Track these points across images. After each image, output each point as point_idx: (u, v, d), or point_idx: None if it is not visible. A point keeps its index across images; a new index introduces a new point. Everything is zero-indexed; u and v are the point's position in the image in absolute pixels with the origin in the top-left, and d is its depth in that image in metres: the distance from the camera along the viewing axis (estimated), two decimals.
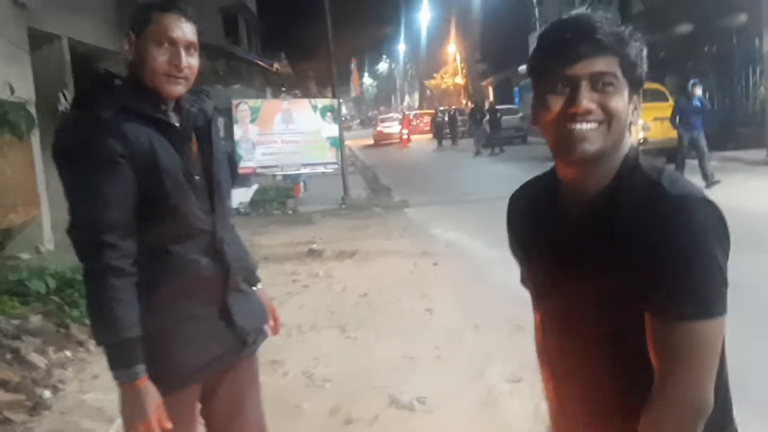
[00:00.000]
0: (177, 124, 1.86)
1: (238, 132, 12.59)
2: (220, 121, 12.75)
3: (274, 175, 14.11)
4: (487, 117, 24.41)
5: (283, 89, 19.26)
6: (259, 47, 25.61)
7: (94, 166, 1.70)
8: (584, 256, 1.21)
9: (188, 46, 1.81)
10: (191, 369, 1.87)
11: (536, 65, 1.24)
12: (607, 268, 1.17)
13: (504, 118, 24.63)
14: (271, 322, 2.22)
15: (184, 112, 1.90)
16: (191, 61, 1.82)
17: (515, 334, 4.60)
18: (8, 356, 4.25)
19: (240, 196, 12.72)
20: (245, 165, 12.69)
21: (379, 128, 36.32)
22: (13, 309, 4.82)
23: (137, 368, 1.70)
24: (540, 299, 1.38)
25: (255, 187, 13.35)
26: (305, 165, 13.02)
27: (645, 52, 1.22)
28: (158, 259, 1.79)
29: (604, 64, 1.16)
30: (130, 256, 1.72)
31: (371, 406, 3.80)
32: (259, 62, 15.72)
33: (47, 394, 3.93)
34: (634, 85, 1.21)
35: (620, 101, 1.18)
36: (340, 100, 14.20)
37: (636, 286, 1.13)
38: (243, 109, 12.63)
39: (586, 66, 1.17)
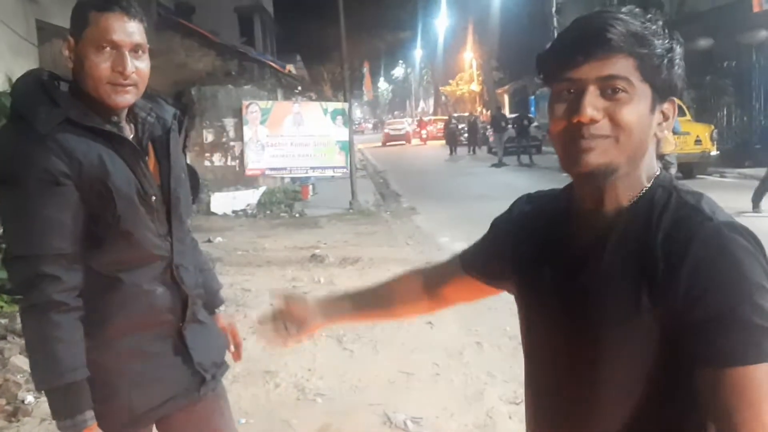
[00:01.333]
0: (130, 136, 1.66)
1: (248, 133, 12.52)
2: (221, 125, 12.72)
3: (282, 178, 14.01)
4: (512, 124, 23.10)
5: (297, 91, 19.15)
6: (274, 49, 25.58)
7: (35, 188, 1.49)
8: (601, 284, 1.05)
9: (134, 49, 1.59)
10: (143, 411, 1.67)
11: (544, 68, 1.09)
12: (632, 299, 1.00)
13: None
14: (232, 348, 2.03)
15: (138, 121, 1.71)
16: (139, 65, 1.60)
17: (518, 353, 4.37)
18: None
19: (247, 198, 12.65)
20: (254, 166, 12.62)
21: (386, 130, 40.65)
22: (0, 308, 4.69)
23: (84, 415, 1.51)
24: (536, 334, 1.21)
25: (263, 188, 13.25)
26: (314, 168, 12.92)
27: (678, 52, 1.04)
28: (108, 288, 1.60)
29: (615, 66, 1.00)
30: (74, 288, 1.53)
31: (363, 424, 3.65)
32: (272, 63, 15.62)
33: (29, 398, 3.79)
34: (660, 92, 1.04)
35: (634, 111, 1.01)
36: (351, 104, 14.08)
37: (668, 323, 0.97)
38: (253, 110, 12.56)
39: (594, 68, 1.01)
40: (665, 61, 1.02)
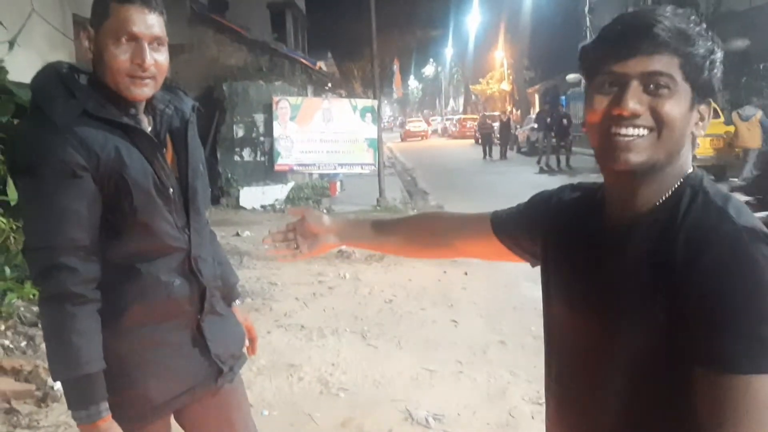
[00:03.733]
0: (149, 129, 1.67)
1: (277, 129, 12.59)
2: (250, 120, 12.80)
3: (311, 173, 14.07)
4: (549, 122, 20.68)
5: (327, 88, 19.19)
6: (305, 45, 25.67)
7: (52, 180, 1.50)
8: (620, 278, 1.05)
9: (154, 41, 1.59)
10: (160, 401, 1.69)
11: (586, 59, 1.11)
12: (648, 295, 1.00)
13: None
14: (248, 342, 2.03)
15: (156, 113, 1.72)
16: (158, 58, 1.61)
17: (542, 353, 4.38)
18: (23, 344, 4.22)
19: (276, 193, 12.74)
20: (283, 162, 12.69)
21: (407, 128, 47.71)
22: (32, 296, 4.78)
23: (99, 407, 1.52)
24: (560, 318, 1.23)
25: (291, 184, 13.32)
26: (342, 165, 12.95)
27: (719, 54, 1.05)
28: (126, 279, 1.61)
29: (660, 63, 1.01)
30: (92, 280, 1.55)
31: (385, 419, 3.66)
32: (302, 60, 15.68)
33: (58, 385, 3.85)
34: (700, 92, 1.05)
35: (676, 107, 1.02)
36: (380, 101, 14.07)
37: (680, 322, 0.96)
38: (283, 106, 12.62)
39: (639, 64, 1.02)
40: (707, 62, 1.03)
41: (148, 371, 1.66)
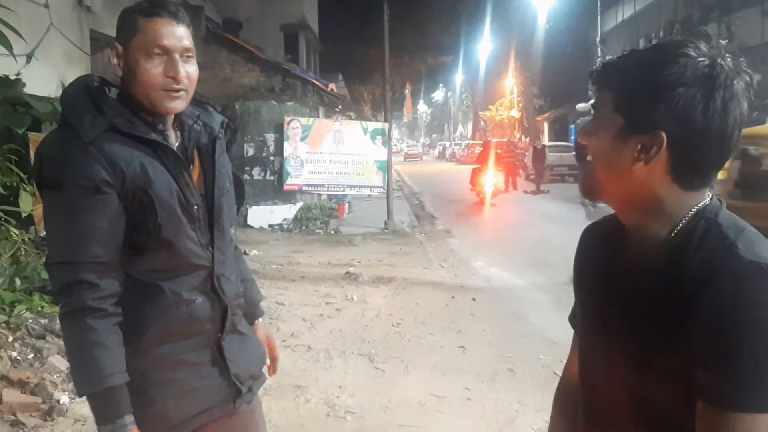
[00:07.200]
0: (176, 145, 1.66)
1: (288, 148, 12.65)
2: (266, 134, 12.86)
3: (319, 194, 14.09)
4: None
5: (337, 110, 19.28)
6: (317, 67, 25.85)
7: (77, 195, 1.49)
8: (636, 312, 1.05)
9: (184, 53, 1.60)
10: (178, 421, 1.66)
11: None
12: (656, 327, 1.00)
13: (560, 155, 24.18)
14: (269, 362, 2.00)
15: (185, 128, 1.71)
16: (189, 69, 1.60)
17: (550, 382, 4.35)
18: (30, 356, 4.19)
19: (284, 212, 12.75)
20: (292, 182, 12.73)
21: (405, 151, 59.00)
22: (41, 308, 4.77)
23: (124, 420, 1.50)
24: (587, 347, 1.22)
25: (300, 204, 13.34)
26: (351, 186, 12.98)
27: (682, 92, 0.98)
28: (148, 296, 1.60)
29: (599, 99, 1.07)
30: (112, 295, 1.53)
31: None
32: (315, 81, 15.76)
33: (64, 398, 3.84)
34: (634, 123, 1.02)
35: (596, 140, 1.07)
36: (391, 125, 14.12)
37: (684, 358, 0.96)
38: (295, 126, 12.69)
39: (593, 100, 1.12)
40: (644, 94, 1.00)
41: (166, 390, 1.63)
